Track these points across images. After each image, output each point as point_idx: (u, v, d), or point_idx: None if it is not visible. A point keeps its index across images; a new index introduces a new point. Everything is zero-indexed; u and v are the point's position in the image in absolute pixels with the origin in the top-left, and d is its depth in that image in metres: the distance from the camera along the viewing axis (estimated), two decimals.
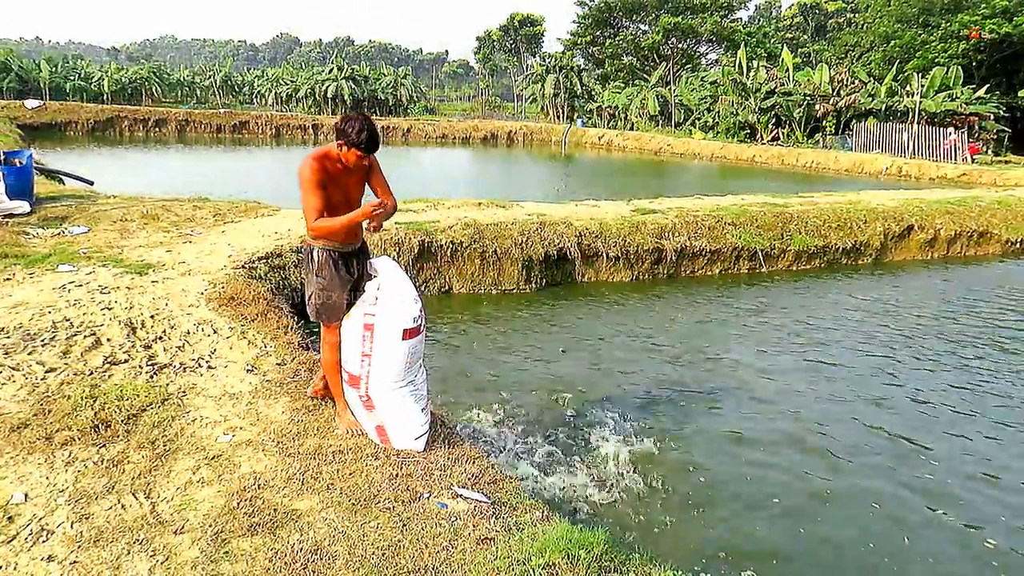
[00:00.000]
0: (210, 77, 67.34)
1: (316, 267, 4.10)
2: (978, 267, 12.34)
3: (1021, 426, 5.95)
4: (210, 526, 3.28)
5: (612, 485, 4.74)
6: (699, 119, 42.22)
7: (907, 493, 4.85)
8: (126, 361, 5.03)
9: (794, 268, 11.48)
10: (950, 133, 29.45)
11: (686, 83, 46.68)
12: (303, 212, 3.98)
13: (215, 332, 5.71)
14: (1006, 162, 29.49)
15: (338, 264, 4.13)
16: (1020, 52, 36.05)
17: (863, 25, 47.93)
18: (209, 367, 5.08)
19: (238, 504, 3.46)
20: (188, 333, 5.65)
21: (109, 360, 5.01)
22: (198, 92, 67.81)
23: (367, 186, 4.26)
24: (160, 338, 5.49)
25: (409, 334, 4.06)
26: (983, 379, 6.96)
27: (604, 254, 10.19)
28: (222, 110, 46.73)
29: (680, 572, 3.27)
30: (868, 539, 4.32)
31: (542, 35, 74.66)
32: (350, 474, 3.83)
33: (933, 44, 36.71)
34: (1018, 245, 13.47)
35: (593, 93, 53.63)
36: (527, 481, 4.62)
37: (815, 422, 5.86)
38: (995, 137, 32.39)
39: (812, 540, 4.32)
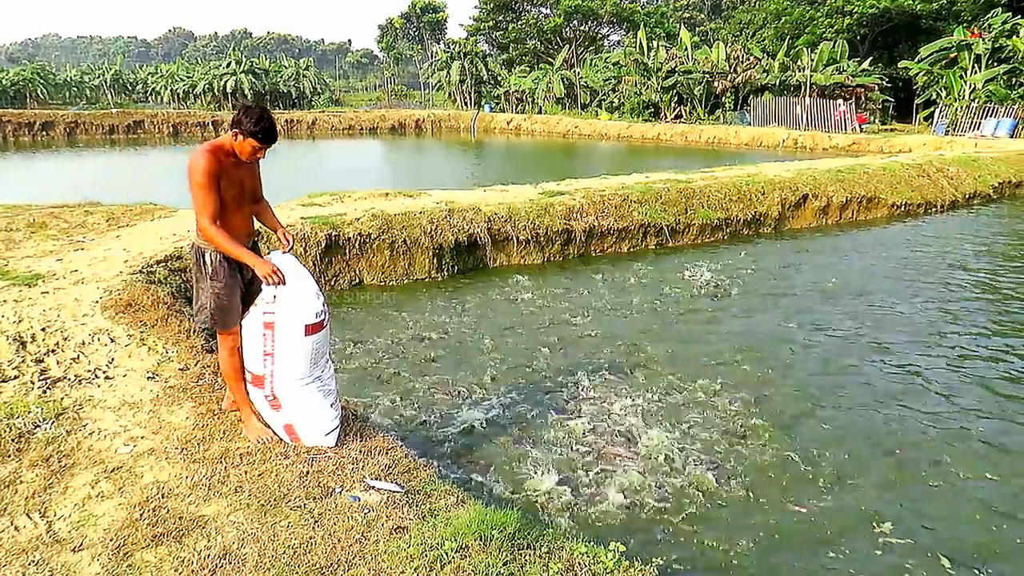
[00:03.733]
0: (100, 76, 64.16)
1: (210, 271, 3.92)
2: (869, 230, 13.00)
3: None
4: (111, 540, 3.18)
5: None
6: (604, 100, 42.82)
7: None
8: (16, 378, 4.79)
9: (699, 241, 11.83)
10: (839, 105, 30.84)
11: (590, 65, 47.23)
12: (194, 210, 3.81)
13: (112, 341, 5.50)
14: (891, 130, 31.10)
15: (232, 265, 3.97)
16: (899, 25, 37.98)
17: (755, 3, 49.51)
18: (107, 377, 4.89)
19: (141, 515, 3.36)
20: (83, 344, 5.42)
21: None
22: (87, 92, 64.46)
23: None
24: (52, 351, 5.25)
25: (312, 329, 4.01)
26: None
27: (514, 238, 10.26)
28: (114, 110, 44.57)
29: (592, 544, 3.36)
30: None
31: (445, 21, 74.16)
32: (259, 475, 3.77)
33: (820, 20, 38.26)
34: (902, 208, 14.25)
35: (499, 78, 53.62)
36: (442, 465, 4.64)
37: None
38: (880, 107, 34.09)
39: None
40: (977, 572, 3.82)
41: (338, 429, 4.20)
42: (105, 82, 62.93)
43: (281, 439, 4.15)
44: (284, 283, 3.92)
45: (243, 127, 3.76)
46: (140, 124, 40.08)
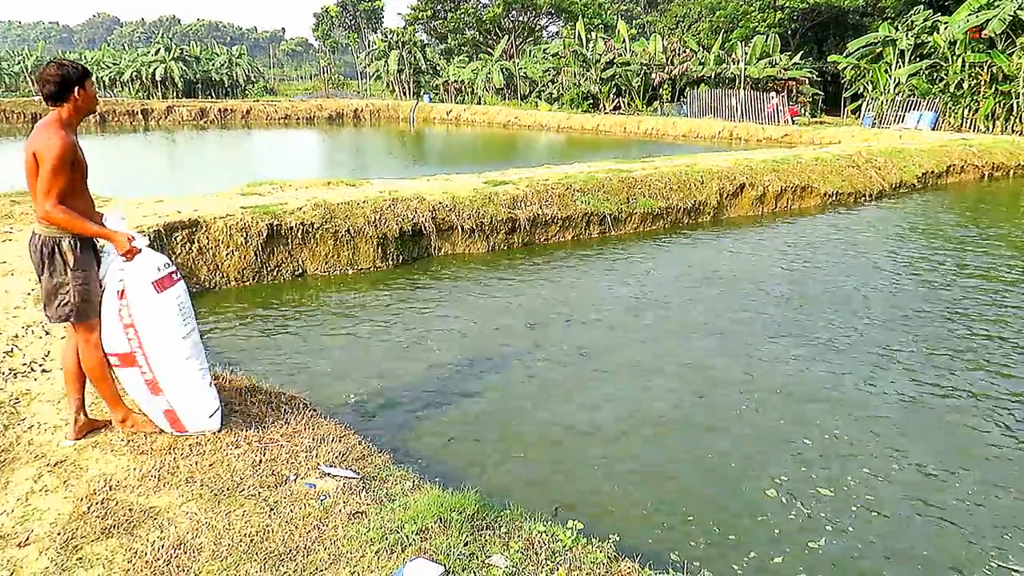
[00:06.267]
0: (20, 63, 61.20)
1: (72, 262, 3.64)
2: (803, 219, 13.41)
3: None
4: (59, 534, 3.09)
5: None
6: (544, 91, 42.97)
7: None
8: None
9: (641, 229, 12.02)
10: (772, 97, 31.62)
11: (529, 56, 47.30)
12: (40, 192, 3.47)
13: (47, 333, 5.31)
14: (821, 122, 32.06)
15: (92, 250, 3.77)
16: (827, 21, 39.20)
17: None
18: (44, 370, 4.73)
19: (88, 508, 3.27)
20: (16, 337, 5.22)
21: None
22: (7, 79, 61.46)
23: None
24: None
25: (161, 284, 3.80)
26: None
27: (459, 227, 10.25)
28: (36, 98, 42.66)
29: (550, 523, 3.41)
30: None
31: (381, 10, 73.18)
32: (210, 465, 3.71)
33: (753, 14, 39.14)
34: (834, 197, 14.74)
35: (438, 68, 53.28)
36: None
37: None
38: (810, 100, 35.11)
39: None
40: None
41: (220, 410, 4.10)
42: (26, 69, 60.04)
43: (161, 430, 4.02)
44: (140, 252, 3.76)
45: (76, 79, 3.59)
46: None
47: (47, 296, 3.71)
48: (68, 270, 3.65)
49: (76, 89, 3.61)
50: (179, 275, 3.97)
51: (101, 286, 3.82)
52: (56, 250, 3.62)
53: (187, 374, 3.89)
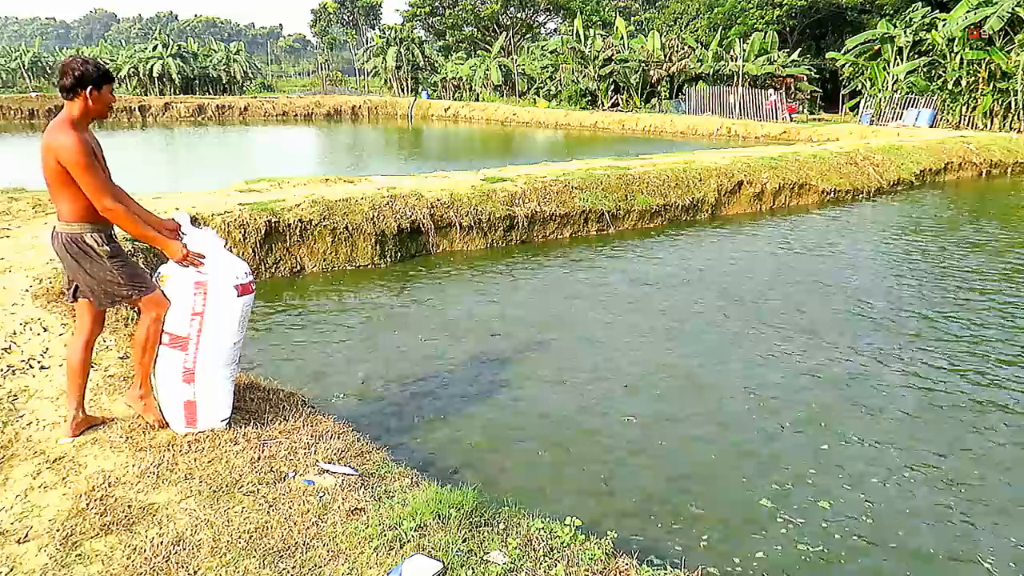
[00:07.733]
0: (16, 58, 61.04)
1: (107, 252, 3.66)
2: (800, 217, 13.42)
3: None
4: (58, 530, 3.09)
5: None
6: (542, 88, 42.95)
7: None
8: None
9: (639, 227, 12.02)
10: (770, 94, 31.63)
11: (527, 52, 47.27)
12: (90, 195, 3.49)
13: (45, 330, 5.30)
14: (819, 119, 32.08)
15: (113, 236, 3.77)
16: (825, 18, 39.22)
17: None
18: (42, 367, 4.73)
19: (88, 505, 3.27)
20: (14, 334, 5.21)
21: None
22: (3, 75, 61.34)
23: None
24: None
25: (243, 289, 3.92)
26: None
27: (457, 224, 10.25)
28: (33, 94, 42.60)
29: (548, 520, 3.41)
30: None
31: (379, 6, 73.06)
32: (209, 462, 3.71)
33: (752, 11, 39.11)
34: (832, 195, 14.76)
35: (436, 65, 53.23)
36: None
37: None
38: (809, 97, 35.13)
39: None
40: None
41: (230, 418, 4.13)
42: (22, 65, 59.91)
43: (166, 422, 4.02)
44: (201, 264, 3.83)
45: (92, 79, 3.57)
46: (61, 108, 38.35)
47: (95, 287, 3.73)
48: (105, 260, 3.68)
49: (89, 88, 3.58)
50: (255, 286, 4.07)
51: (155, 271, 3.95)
52: (83, 244, 3.64)
53: (222, 376, 3.99)
